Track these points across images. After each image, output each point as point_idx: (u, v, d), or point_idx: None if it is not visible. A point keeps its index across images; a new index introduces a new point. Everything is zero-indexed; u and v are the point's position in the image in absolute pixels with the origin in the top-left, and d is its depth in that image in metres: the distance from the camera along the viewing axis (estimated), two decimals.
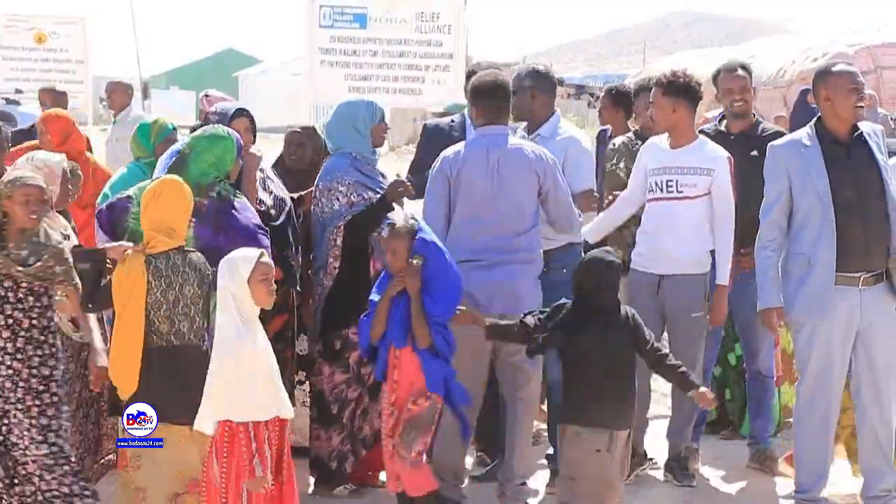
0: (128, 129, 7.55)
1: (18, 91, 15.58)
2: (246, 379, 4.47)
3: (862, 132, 5.52)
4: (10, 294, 4.94)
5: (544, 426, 6.72)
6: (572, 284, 5.06)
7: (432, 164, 5.89)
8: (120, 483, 4.90)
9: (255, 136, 6.00)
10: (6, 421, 4.96)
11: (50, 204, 5.13)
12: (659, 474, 6.35)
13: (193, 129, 6.33)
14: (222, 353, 4.51)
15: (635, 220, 6.35)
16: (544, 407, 6.58)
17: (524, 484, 5.80)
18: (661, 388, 6.85)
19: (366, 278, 5.77)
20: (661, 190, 6.10)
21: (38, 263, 4.90)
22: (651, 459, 6.39)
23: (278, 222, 5.74)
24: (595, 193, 6.15)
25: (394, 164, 6.27)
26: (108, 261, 4.82)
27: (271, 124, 21.31)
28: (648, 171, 6.17)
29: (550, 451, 6.21)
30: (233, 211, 5.23)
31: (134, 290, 4.71)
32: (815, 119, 5.60)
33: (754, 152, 6.23)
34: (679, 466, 6.27)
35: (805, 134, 5.57)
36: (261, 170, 5.84)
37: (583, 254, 6.19)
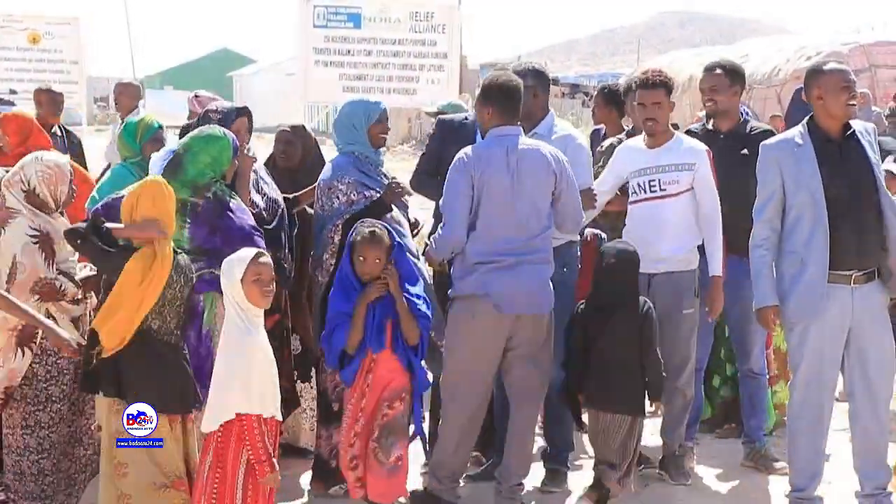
0: None
1: (13, 91, 15.56)
2: (253, 375, 4.50)
3: (854, 130, 5.53)
4: None
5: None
6: (595, 273, 5.50)
7: (445, 159, 5.89)
8: (103, 486, 4.85)
9: (250, 136, 6.01)
10: None
11: (58, 205, 5.15)
12: (654, 473, 6.35)
13: (183, 130, 6.34)
14: (230, 352, 4.54)
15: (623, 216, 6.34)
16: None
17: (520, 484, 5.80)
18: None
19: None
20: (645, 191, 6.13)
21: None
22: (648, 459, 6.40)
23: (271, 226, 5.74)
24: (594, 192, 6.15)
25: (388, 163, 6.23)
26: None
27: (265, 124, 21.30)
28: (628, 174, 6.18)
29: (547, 449, 6.23)
30: (228, 212, 5.23)
31: (157, 277, 4.69)
32: (807, 118, 5.61)
33: (744, 150, 6.25)
34: (674, 465, 6.28)
35: (797, 132, 5.58)
36: (254, 171, 5.84)
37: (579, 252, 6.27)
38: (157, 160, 5.42)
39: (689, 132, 6.66)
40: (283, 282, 5.78)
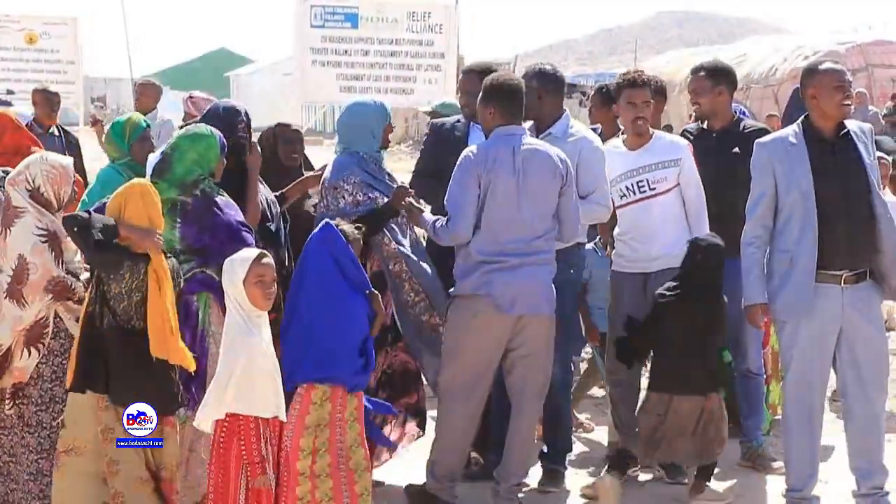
0: (154, 132, 7.39)
1: (10, 92, 15.55)
2: (252, 375, 4.49)
3: (849, 130, 5.53)
4: None
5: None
6: (684, 265, 5.78)
7: (440, 161, 5.85)
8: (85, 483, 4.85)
9: (249, 136, 6.00)
10: None
11: (61, 205, 5.14)
12: (651, 472, 6.36)
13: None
14: (230, 351, 4.53)
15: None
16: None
17: (519, 484, 5.80)
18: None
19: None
20: (634, 192, 6.14)
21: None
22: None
23: (274, 226, 5.76)
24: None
25: (386, 162, 6.25)
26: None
27: (262, 124, 21.30)
28: (612, 179, 6.17)
29: (545, 449, 6.23)
30: (216, 209, 5.23)
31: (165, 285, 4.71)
32: (802, 117, 5.61)
33: (736, 149, 6.26)
34: (672, 464, 6.27)
35: (792, 131, 5.59)
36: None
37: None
38: (153, 161, 5.42)
39: (684, 132, 6.68)
40: (284, 281, 5.79)
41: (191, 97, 8.28)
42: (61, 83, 15.33)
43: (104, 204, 4.95)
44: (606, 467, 6.21)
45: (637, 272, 6.14)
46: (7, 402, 5.13)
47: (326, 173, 5.99)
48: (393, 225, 5.92)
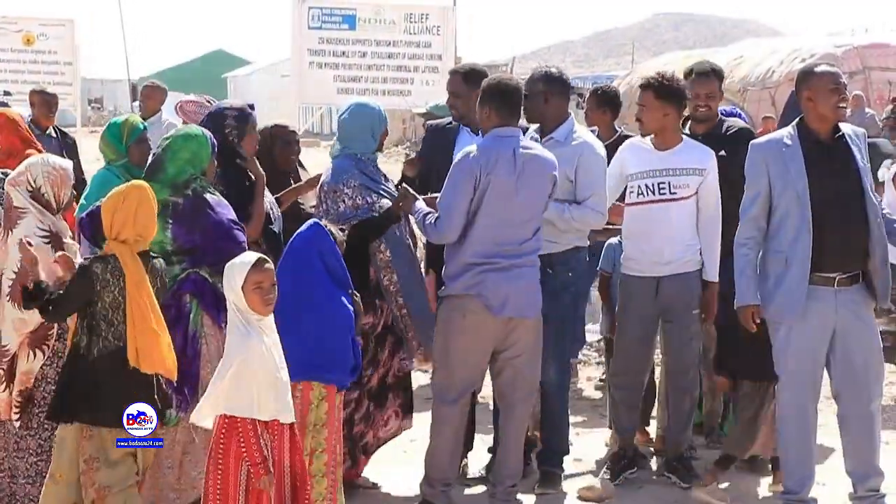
0: (160, 133, 7.33)
1: (7, 93, 15.55)
2: (248, 377, 4.47)
3: (843, 134, 5.54)
4: None
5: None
6: None
7: (434, 162, 5.84)
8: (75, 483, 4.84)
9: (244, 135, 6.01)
10: None
11: (60, 207, 5.15)
12: (649, 475, 6.36)
13: None
14: (228, 353, 4.53)
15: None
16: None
17: (514, 486, 5.81)
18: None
19: (365, 280, 5.78)
20: (653, 193, 6.09)
21: None
22: (644, 459, 6.41)
23: (277, 227, 5.78)
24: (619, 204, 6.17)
25: (383, 165, 6.24)
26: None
27: (260, 125, 21.29)
28: (631, 174, 6.15)
29: (542, 450, 6.23)
30: (207, 208, 5.24)
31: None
32: (797, 119, 5.62)
33: (722, 152, 6.23)
34: (683, 466, 6.26)
35: (787, 133, 5.59)
36: None
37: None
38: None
39: None
40: None
41: (181, 107, 8.15)
42: (58, 84, 15.37)
43: (99, 207, 4.95)
44: (605, 470, 6.22)
45: (647, 276, 6.12)
46: (15, 410, 5.12)
47: (325, 177, 5.99)
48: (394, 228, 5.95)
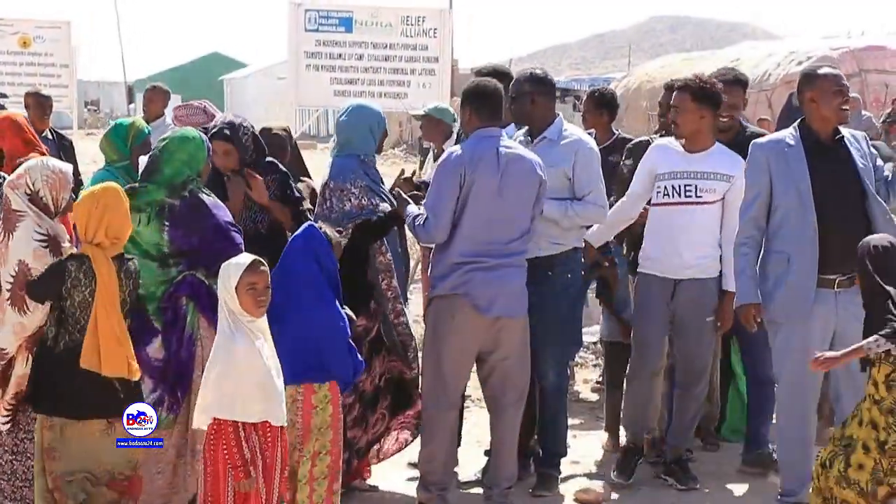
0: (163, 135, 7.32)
1: (3, 95, 15.52)
2: (234, 380, 4.47)
3: (844, 136, 5.54)
4: None
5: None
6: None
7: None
8: (37, 472, 4.84)
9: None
10: None
11: (58, 211, 5.14)
12: (648, 474, 6.36)
13: None
14: (214, 353, 4.53)
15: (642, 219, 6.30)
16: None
17: (510, 488, 5.80)
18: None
19: (363, 282, 5.78)
20: (679, 194, 6.05)
21: None
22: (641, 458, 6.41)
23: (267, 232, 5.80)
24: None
25: (380, 167, 6.24)
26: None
27: (257, 128, 21.28)
28: (659, 174, 6.10)
29: (539, 452, 6.22)
30: (203, 209, 5.23)
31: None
32: (799, 120, 5.62)
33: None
34: (682, 469, 6.27)
35: (789, 134, 5.60)
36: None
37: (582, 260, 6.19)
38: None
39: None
40: None
41: (175, 117, 8.05)
42: (55, 87, 15.36)
43: None
44: (614, 468, 6.24)
45: (665, 277, 6.10)
46: (5, 414, 5.10)
47: (327, 175, 5.98)
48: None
